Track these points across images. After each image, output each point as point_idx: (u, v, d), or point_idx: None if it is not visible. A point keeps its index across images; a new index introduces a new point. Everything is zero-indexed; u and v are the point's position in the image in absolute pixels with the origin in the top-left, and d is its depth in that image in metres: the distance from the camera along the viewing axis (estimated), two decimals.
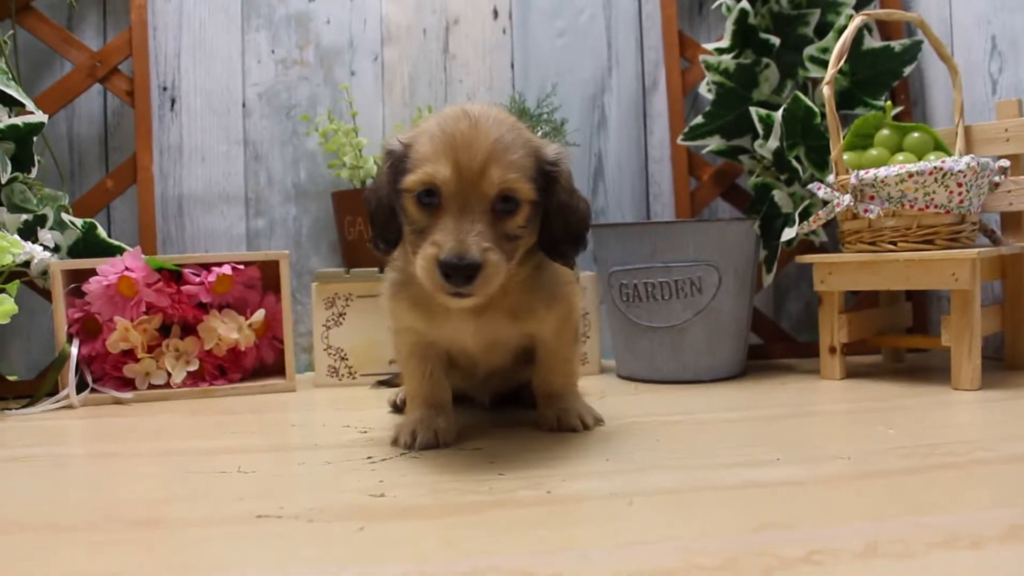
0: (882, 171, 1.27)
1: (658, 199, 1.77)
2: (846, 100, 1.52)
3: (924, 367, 1.49)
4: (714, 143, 1.58)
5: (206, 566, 0.60)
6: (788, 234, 1.42)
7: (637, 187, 1.77)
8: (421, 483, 0.82)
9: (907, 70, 1.50)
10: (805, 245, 1.61)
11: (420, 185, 0.85)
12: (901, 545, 0.57)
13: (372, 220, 0.95)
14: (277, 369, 1.54)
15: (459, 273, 0.81)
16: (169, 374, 1.44)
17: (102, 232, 1.48)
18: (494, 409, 1.22)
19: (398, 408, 1.22)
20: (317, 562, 0.60)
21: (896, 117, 1.68)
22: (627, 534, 0.63)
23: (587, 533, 0.64)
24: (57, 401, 1.36)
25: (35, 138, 1.45)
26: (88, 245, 1.48)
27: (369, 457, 0.95)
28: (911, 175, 1.25)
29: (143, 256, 1.41)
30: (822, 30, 1.52)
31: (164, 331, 1.47)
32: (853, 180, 1.29)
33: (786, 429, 1.03)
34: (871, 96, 1.50)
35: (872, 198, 1.30)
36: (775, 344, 1.69)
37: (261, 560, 0.61)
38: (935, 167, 1.23)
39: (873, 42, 1.50)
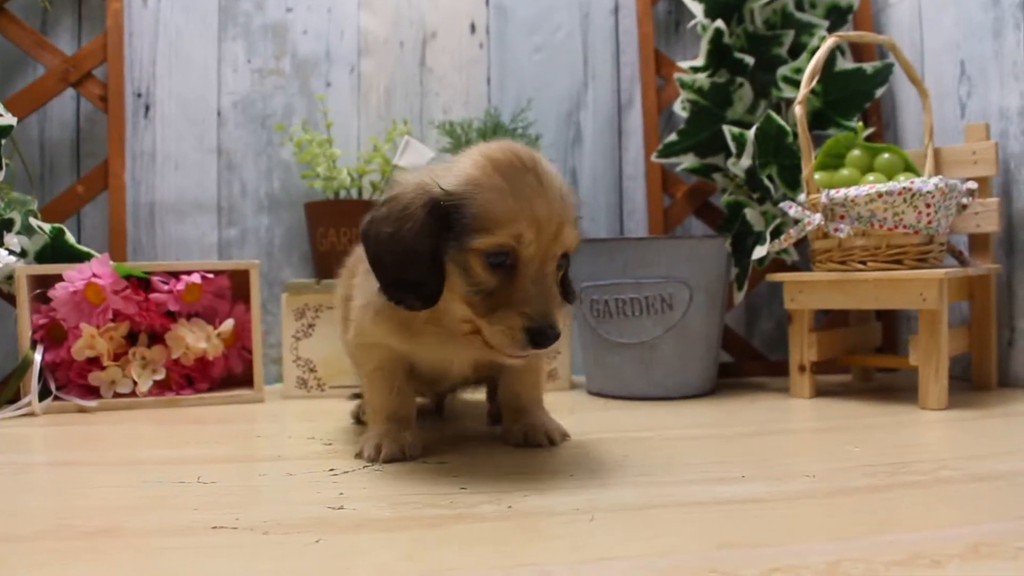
0: (852, 191, 1.28)
1: (632, 216, 1.78)
2: (819, 121, 1.54)
3: (892, 387, 1.50)
4: (688, 161, 1.59)
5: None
6: (759, 252, 1.43)
7: (611, 203, 1.78)
8: (382, 496, 0.81)
9: (879, 92, 1.52)
10: (777, 264, 1.62)
11: (496, 248, 0.80)
12: (863, 564, 0.57)
13: (391, 269, 0.84)
14: (246, 380, 1.52)
15: (548, 341, 0.79)
16: (135, 383, 1.42)
17: (70, 238, 1.46)
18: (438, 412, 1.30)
19: (360, 420, 1.21)
20: (269, 574, 0.59)
21: (868, 138, 1.71)
22: (587, 550, 0.63)
23: (547, 549, 0.64)
24: (18, 408, 1.34)
25: (4, 141, 1.43)
26: (56, 251, 1.46)
27: (331, 469, 0.94)
28: (880, 195, 1.26)
29: (111, 263, 1.39)
30: (796, 51, 1.54)
31: (131, 339, 1.45)
32: (823, 199, 1.30)
33: (753, 447, 1.03)
34: (843, 117, 1.52)
35: (842, 217, 1.31)
36: (746, 362, 1.69)
37: (213, 572, 0.60)
38: (904, 187, 1.24)
39: (845, 64, 1.52)
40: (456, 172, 0.83)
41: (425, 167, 0.88)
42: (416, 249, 0.82)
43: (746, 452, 0.99)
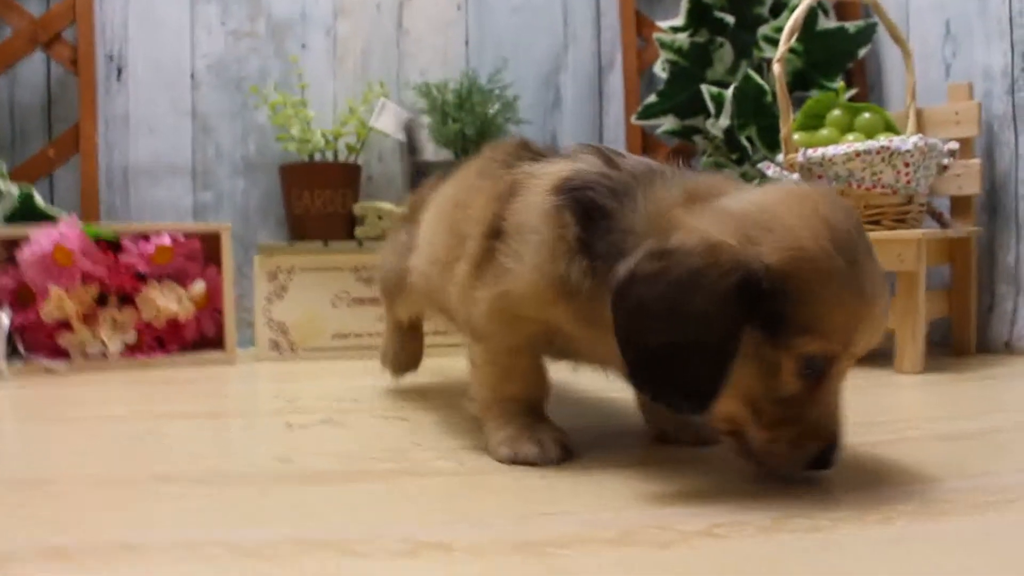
0: (830, 150, 1.26)
1: None
2: (801, 81, 1.52)
3: (872, 350, 1.48)
4: (668, 123, 1.56)
5: (87, 523, 0.58)
6: None
7: None
8: (335, 452, 0.80)
9: (861, 52, 1.50)
10: None
11: (824, 353, 0.60)
12: (808, 520, 0.56)
13: (654, 352, 0.60)
14: (219, 342, 1.50)
15: (832, 466, 0.62)
16: (105, 345, 1.40)
17: (40, 200, 1.45)
18: None
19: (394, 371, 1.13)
20: (204, 524, 0.57)
21: (852, 99, 1.68)
22: (531, 505, 0.61)
23: (492, 504, 0.62)
24: None
25: None
26: (25, 213, 1.45)
27: (288, 424, 0.93)
28: (858, 154, 1.23)
29: (80, 224, 1.38)
30: (777, 10, 1.51)
31: (101, 301, 1.44)
32: (800, 158, 1.28)
33: None
34: (825, 77, 1.49)
35: (820, 177, 1.28)
36: None
37: (145, 520, 0.59)
38: (882, 146, 1.22)
39: (828, 23, 1.49)
40: (780, 238, 0.59)
41: (720, 211, 0.62)
42: (705, 335, 0.59)
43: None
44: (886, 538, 0.52)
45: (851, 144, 1.24)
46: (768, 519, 0.56)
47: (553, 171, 0.71)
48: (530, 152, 0.79)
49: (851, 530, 0.54)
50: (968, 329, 1.39)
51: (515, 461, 0.73)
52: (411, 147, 1.20)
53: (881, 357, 1.37)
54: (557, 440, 0.74)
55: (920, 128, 1.40)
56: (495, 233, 0.73)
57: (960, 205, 1.39)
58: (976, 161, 1.36)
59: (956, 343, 1.40)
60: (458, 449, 0.80)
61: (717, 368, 0.59)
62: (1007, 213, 1.38)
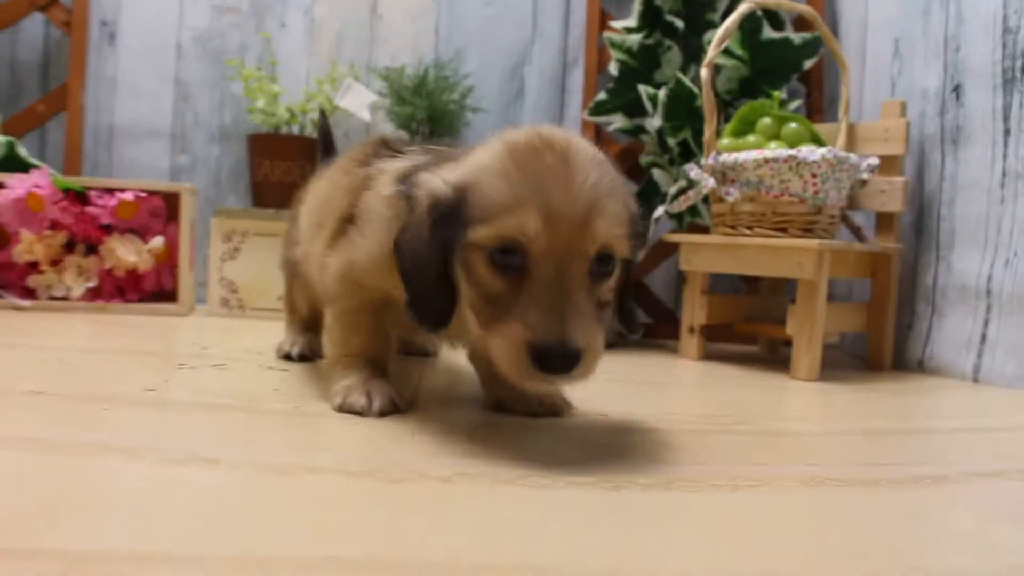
0: (741, 155, 1.30)
1: None
2: (748, 88, 1.56)
3: (787, 359, 1.52)
4: (618, 121, 1.62)
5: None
6: (658, 212, 1.46)
7: None
8: (197, 388, 0.89)
9: (807, 63, 1.53)
10: (702, 228, 1.64)
11: (498, 241, 0.65)
12: (543, 478, 0.63)
13: (409, 285, 0.71)
14: (175, 295, 1.61)
15: (559, 364, 0.62)
16: (69, 288, 1.52)
17: (22, 150, 1.57)
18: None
19: (290, 357, 1.13)
20: (46, 426, 0.68)
21: (808, 110, 1.72)
22: (316, 440, 0.71)
23: (282, 437, 0.71)
24: None
25: None
26: (8, 162, 1.57)
27: (181, 364, 1.02)
28: (767, 161, 1.28)
29: (51, 175, 1.49)
30: (728, 16, 1.55)
31: (69, 248, 1.55)
32: (711, 161, 1.33)
33: (605, 391, 1.03)
34: (771, 85, 1.53)
35: (732, 182, 1.33)
36: (664, 325, 1.72)
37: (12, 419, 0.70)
38: (790, 155, 1.26)
39: (772, 34, 1.53)
40: (465, 162, 0.70)
41: (449, 167, 0.72)
42: (423, 260, 0.69)
43: (590, 394, 0.96)
44: (610, 501, 0.58)
45: (762, 151, 1.29)
46: (512, 475, 0.63)
47: (396, 167, 0.81)
48: (388, 149, 0.89)
49: (582, 493, 0.60)
50: (884, 344, 1.42)
51: (342, 409, 0.81)
52: (325, 142, 1.26)
53: (784, 363, 1.41)
54: (386, 394, 0.82)
55: (852, 142, 1.43)
56: (349, 218, 0.84)
57: (884, 221, 1.42)
58: (900, 179, 1.39)
59: (871, 357, 1.43)
60: (308, 397, 0.88)
61: (437, 288, 0.69)
62: (930, 233, 1.40)
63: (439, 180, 0.69)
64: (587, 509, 0.55)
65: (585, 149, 0.68)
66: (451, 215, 0.67)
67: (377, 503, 0.54)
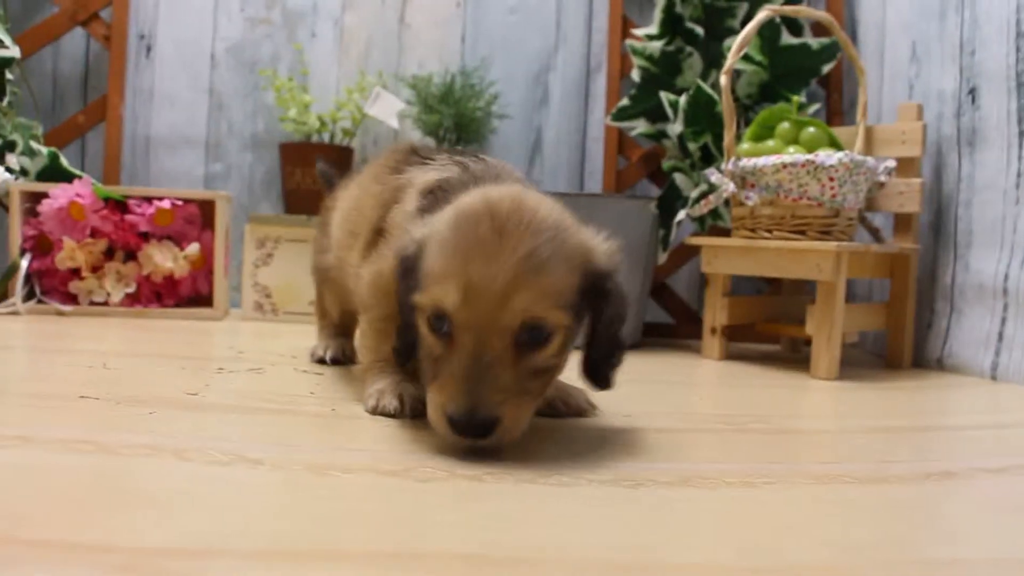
0: (761, 160, 1.33)
1: (592, 176, 1.85)
2: (767, 93, 1.58)
3: (808, 359, 1.54)
4: (640, 126, 1.65)
5: (16, 422, 0.73)
6: (680, 215, 1.49)
7: (573, 163, 1.86)
8: (241, 392, 0.94)
9: (826, 68, 1.56)
10: (718, 231, 1.67)
11: (430, 308, 0.69)
12: (567, 476, 0.66)
13: (400, 311, 0.77)
14: (211, 300, 1.67)
15: (471, 432, 0.66)
16: (108, 294, 1.58)
17: (64, 161, 1.63)
18: None
19: (323, 360, 1.17)
20: (91, 428, 0.72)
21: (827, 114, 1.74)
22: (351, 441, 0.75)
23: (319, 437, 0.75)
24: (5, 307, 1.52)
25: (13, 71, 1.60)
26: (52, 172, 1.63)
27: (220, 368, 1.07)
28: (785, 165, 1.31)
29: (92, 184, 1.55)
30: (748, 23, 1.58)
31: (109, 254, 1.61)
32: (731, 166, 1.36)
33: (623, 391, 1.05)
34: (789, 90, 1.56)
35: (752, 186, 1.36)
36: (685, 325, 1.76)
37: (55, 423, 0.74)
38: (807, 160, 1.29)
39: (790, 40, 1.55)
40: (432, 219, 0.74)
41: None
42: (400, 307, 0.76)
43: (614, 395, 0.95)
44: (629, 498, 0.61)
45: (780, 156, 1.32)
46: (537, 473, 0.66)
47: (423, 180, 0.85)
48: (418, 157, 0.93)
49: (602, 490, 0.63)
50: (903, 343, 1.44)
51: (376, 412, 0.85)
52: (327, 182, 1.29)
53: (805, 362, 1.44)
54: (417, 398, 0.85)
55: (869, 145, 1.46)
56: (379, 231, 0.88)
57: (902, 222, 1.44)
58: (918, 180, 1.41)
59: (891, 356, 1.45)
60: (343, 400, 0.92)
61: (405, 332, 0.75)
62: (947, 233, 1.42)
63: (411, 234, 0.74)
64: (608, 505, 0.59)
65: (531, 214, 0.68)
66: (411, 271, 0.72)
67: (411, 500, 0.58)
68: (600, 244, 0.75)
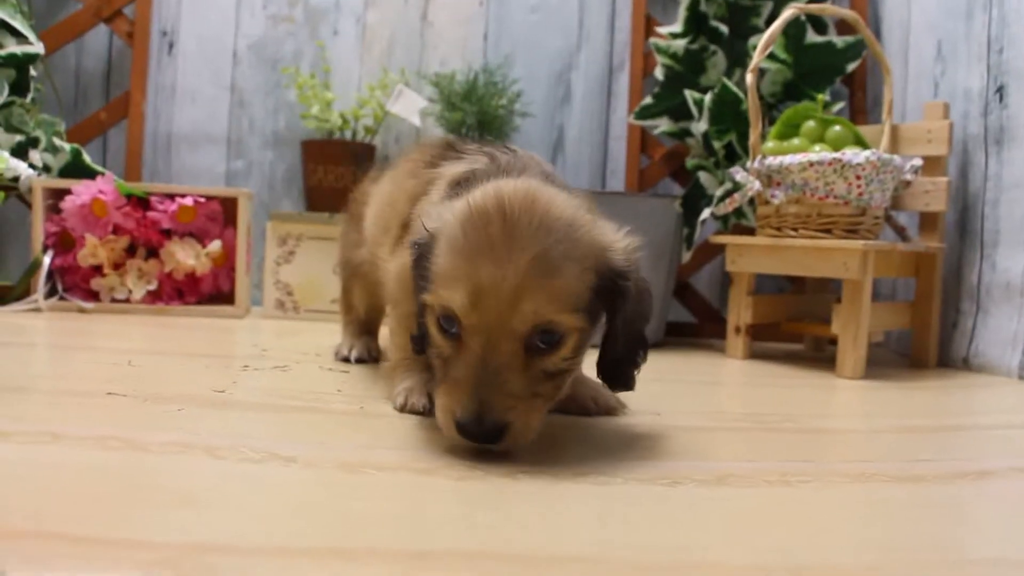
0: (787, 159, 1.32)
1: (614, 174, 1.84)
2: (791, 92, 1.57)
3: (832, 358, 1.53)
4: (664, 124, 1.64)
5: (45, 419, 0.73)
6: (704, 214, 1.48)
7: (595, 161, 1.85)
8: (263, 389, 0.94)
9: (851, 66, 1.54)
10: (742, 230, 1.66)
11: (439, 309, 0.68)
12: (602, 475, 0.66)
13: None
14: (233, 297, 1.67)
15: (479, 438, 0.65)
16: (130, 291, 1.59)
17: (87, 157, 1.64)
18: None
19: (347, 359, 1.16)
20: (124, 425, 0.72)
21: (852, 112, 1.72)
22: (383, 439, 0.74)
23: (351, 435, 0.75)
24: (27, 303, 1.52)
25: (36, 67, 1.60)
26: (74, 169, 1.63)
27: (245, 366, 1.07)
28: (812, 164, 1.29)
29: (114, 181, 1.56)
30: (772, 22, 1.56)
31: (130, 251, 1.62)
32: (756, 165, 1.35)
33: (648, 390, 1.01)
34: (814, 89, 1.55)
35: (778, 184, 1.35)
36: (708, 324, 1.75)
37: (83, 420, 0.74)
38: (834, 158, 1.28)
39: (815, 38, 1.54)
40: (444, 210, 0.71)
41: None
42: (416, 298, 0.73)
43: (641, 394, 0.95)
44: (668, 496, 0.61)
45: (806, 154, 1.30)
46: (573, 472, 0.66)
47: (452, 171, 0.84)
48: (454, 151, 0.91)
49: (640, 488, 0.63)
50: (928, 342, 1.43)
51: (404, 409, 0.85)
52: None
53: (829, 361, 1.43)
54: None
55: (895, 144, 1.44)
56: (407, 225, 0.87)
57: (928, 221, 1.43)
58: (944, 179, 1.39)
59: (916, 355, 1.44)
60: (371, 398, 0.92)
61: (420, 325, 0.73)
62: (974, 232, 1.41)
63: (425, 224, 0.72)
64: (646, 504, 0.58)
65: (543, 213, 0.66)
66: (422, 260, 0.70)
67: (447, 499, 0.58)
68: (618, 241, 0.73)
